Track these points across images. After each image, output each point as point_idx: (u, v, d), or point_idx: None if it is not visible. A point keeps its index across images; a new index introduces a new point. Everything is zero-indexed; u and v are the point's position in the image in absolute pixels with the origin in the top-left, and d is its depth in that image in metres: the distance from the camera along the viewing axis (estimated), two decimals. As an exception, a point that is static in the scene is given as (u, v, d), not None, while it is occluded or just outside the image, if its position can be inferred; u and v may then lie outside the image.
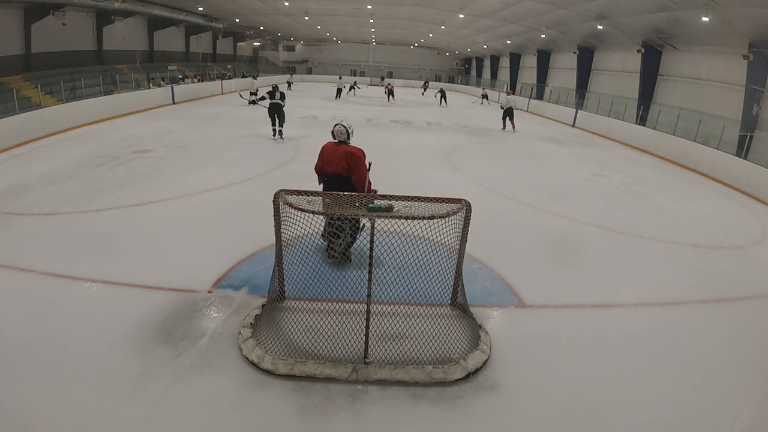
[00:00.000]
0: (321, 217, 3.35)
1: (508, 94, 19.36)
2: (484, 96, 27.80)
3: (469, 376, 3.25)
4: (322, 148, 4.81)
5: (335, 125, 4.76)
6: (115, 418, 2.73)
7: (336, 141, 4.75)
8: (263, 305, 3.88)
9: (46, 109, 11.81)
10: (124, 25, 20.43)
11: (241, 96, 19.36)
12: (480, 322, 3.82)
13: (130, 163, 8.77)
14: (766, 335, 4.16)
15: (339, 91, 25.33)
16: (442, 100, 25.34)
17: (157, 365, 3.19)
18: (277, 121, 12.01)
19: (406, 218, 3.29)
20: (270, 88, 12.19)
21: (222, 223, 5.92)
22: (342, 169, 4.59)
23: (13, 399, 2.83)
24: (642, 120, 16.19)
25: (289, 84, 28.33)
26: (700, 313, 4.49)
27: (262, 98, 13.26)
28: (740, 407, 3.18)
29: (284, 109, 11.93)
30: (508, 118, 16.47)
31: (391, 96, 25.98)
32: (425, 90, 30.73)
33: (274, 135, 12.19)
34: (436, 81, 42.79)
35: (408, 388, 3.13)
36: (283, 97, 11.99)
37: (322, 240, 4.98)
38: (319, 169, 4.82)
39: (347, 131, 4.74)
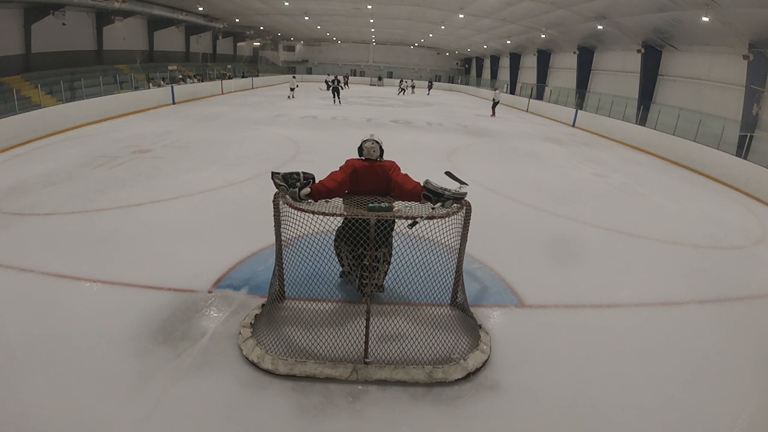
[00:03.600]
0: (322, 222, 3.34)
1: (494, 89, 25.35)
2: (403, 87, 33.91)
3: (469, 376, 3.25)
4: (351, 168, 3.86)
5: (365, 141, 4.00)
6: (115, 418, 2.74)
7: (365, 159, 3.98)
8: (263, 305, 3.87)
9: (46, 109, 11.82)
10: (124, 25, 20.43)
11: (320, 89, 27.25)
12: (480, 322, 3.82)
13: (130, 163, 8.77)
14: (766, 335, 4.16)
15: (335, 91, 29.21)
16: (409, 89, 33.60)
17: (157, 365, 3.19)
18: (336, 95, 22.46)
19: (406, 218, 3.29)
20: (333, 78, 24.11)
21: (222, 223, 5.92)
22: (383, 188, 3.88)
23: (13, 399, 2.83)
24: (642, 120, 16.18)
25: (292, 90, 24.37)
26: (700, 313, 4.49)
27: (332, 83, 23.41)
28: (740, 407, 3.18)
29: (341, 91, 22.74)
30: (494, 107, 22.00)
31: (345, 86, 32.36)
32: (402, 92, 32.49)
33: (334, 102, 22.17)
34: (437, 81, 42.80)
35: (408, 388, 3.13)
36: (338, 82, 23.09)
37: (340, 277, 4.40)
38: (342, 190, 3.79)
39: (380, 148, 4.02)
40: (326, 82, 26.88)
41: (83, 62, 18.32)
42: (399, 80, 34.90)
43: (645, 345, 3.82)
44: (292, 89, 24.33)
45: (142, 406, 2.83)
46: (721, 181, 10.82)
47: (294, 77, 26.66)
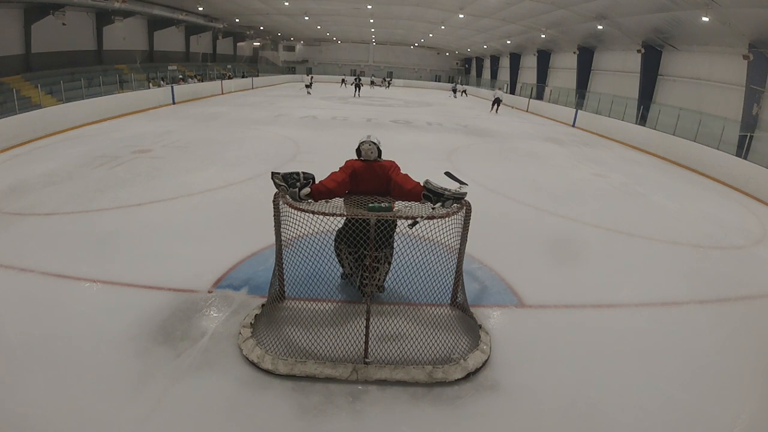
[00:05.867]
0: (322, 222, 3.33)
1: (497, 89, 26.74)
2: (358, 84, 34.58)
3: (469, 376, 3.25)
4: (351, 168, 3.86)
5: (363, 143, 3.97)
6: (115, 418, 2.73)
7: (363, 159, 3.99)
8: (263, 305, 3.87)
9: (46, 109, 11.82)
10: (124, 25, 20.42)
11: (349, 84, 32.92)
12: (480, 322, 3.82)
13: (130, 163, 8.77)
14: (766, 335, 4.16)
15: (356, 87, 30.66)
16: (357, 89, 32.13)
17: (157, 365, 3.19)
18: (357, 89, 28.21)
19: (406, 218, 3.29)
20: (356, 77, 29.89)
21: (222, 223, 5.92)
22: (383, 188, 3.88)
23: (13, 399, 2.83)
24: (642, 120, 16.19)
25: (308, 86, 28.56)
26: (700, 313, 4.49)
27: (355, 80, 28.99)
28: (740, 407, 3.18)
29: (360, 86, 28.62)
30: (496, 105, 23.17)
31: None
32: (455, 94, 32.76)
33: (354, 95, 27.11)
34: (436, 81, 42.79)
35: (408, 388, 3.13)
36: (360, 80, 29.30)
37: (341, 279, 4.41)
38: (343, 190, 3.78)
39: (378, 149, 4.00)
40: (354, 79, 32.83)
41: (83, 62, 18.32)
42: (382, 79, 39.41)
43: (645, 345, 3.82)
44: (307, 86, 28.38)
45: (142, 406, 2.83)
46: (721, 181, 10.81)
47: (310, 76, 31.11)
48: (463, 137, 14.39)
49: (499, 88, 27.89)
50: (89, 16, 18.86)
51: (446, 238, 3.54)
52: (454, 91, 32.94)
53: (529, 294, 4.51)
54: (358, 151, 4.04)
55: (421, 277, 3.67)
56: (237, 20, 29.28)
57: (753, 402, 3.25)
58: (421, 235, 3.45)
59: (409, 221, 3.27)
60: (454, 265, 3.82)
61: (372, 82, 37.80)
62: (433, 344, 3.42)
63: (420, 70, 45.31)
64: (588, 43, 20.87)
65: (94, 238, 5.25)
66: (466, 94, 34.47)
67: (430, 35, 34.81)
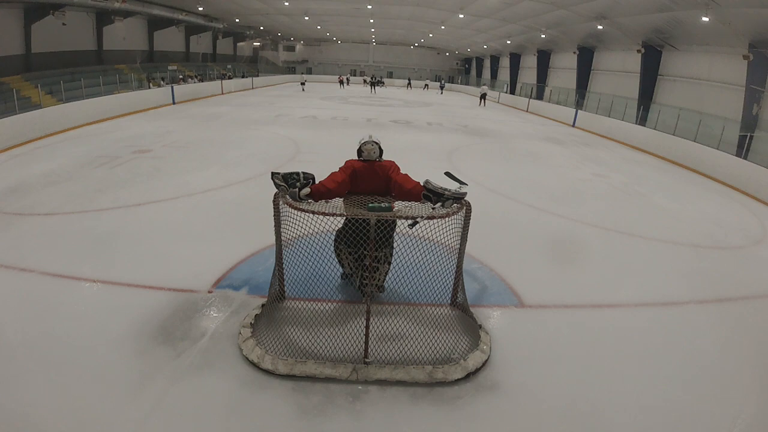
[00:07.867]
0: (322, 222, 3.34)
1: (483, 85, 29.97)
2: (373, 83, 36.05)
3: (469, 376, 3.25)
4: (351, 168, 3.83)
5: (364, 143, 3.97)
6: (115, 418, 2.74)
7: (364, 159, 3.97)
8: (263, 305, 3.87)
9: (46, 109, 11.82)
10: (124, 25, 20.44)
11: (364, 81, 37.81)
12: (480, 322, 3.81)
13: (130, 163, 8.77)
14: (766, 335, 4.16)
15: (372, 85, 33.44)
16: (373, 87, 33.49)
17: (157, 365, 3.19)
18: (373, 87, 31.97)
19: (406, 218, 3.29)
20: (371, 77, 34.74)
21: (222, 223, 5.92)
22: (382, 188, 3.88)
23: (13, 399, 2.83)
24: (642, 120, 16.18)
25: (303, 84, 32.24)
26: (700, 313, 4.49)
27: (371, 79, 33.07)
28: (740, 407, 3.18)
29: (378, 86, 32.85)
30: (482, 99, 26.33)
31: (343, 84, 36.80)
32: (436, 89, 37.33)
33: (370, 93, 30.78)
34: (436, 81, 42.80)
35: (408, 388, 3.13)
36: (375, 78, 34.86)
37: (341, 279, 4.41)
38: (343, 190, 3.75)
39: (380, 148, 4.01)
40: (365, 80, 37.29)
41: (83, 62, 18.33)
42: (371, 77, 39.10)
43: (645, 345, 3.82)
44: (302, 83, 32.04)
45: (142, 406, 2.83)
46: (721, 181, 10.81)
47: (303, 75, 37.31)
48: (463, 137, 14.39)
49: (485, 84, 31.05)
50: (89, 16, 18.87)
51: (446, 238, 3.54)
52: (431, 86, 38.99)
53: (529, 294, 4.51)
54: (360, 151, 4.03)
55: (421, 277, 3.67)
56: (237, 20, 29.30)
57: (753, 402, 3.25)
58: (421, 235, 3.44)
59: (409, 221, 3.27)
60: (454, 265, 3.82)
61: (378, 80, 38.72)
62: (433, 344, 3.42)
63: (420, 70, 45.33)
64: (588, 43, 20.88)
65: (94, 238, 5.25)
66: (428, 87, 39.40)
67: (430, 35, 34.83)
